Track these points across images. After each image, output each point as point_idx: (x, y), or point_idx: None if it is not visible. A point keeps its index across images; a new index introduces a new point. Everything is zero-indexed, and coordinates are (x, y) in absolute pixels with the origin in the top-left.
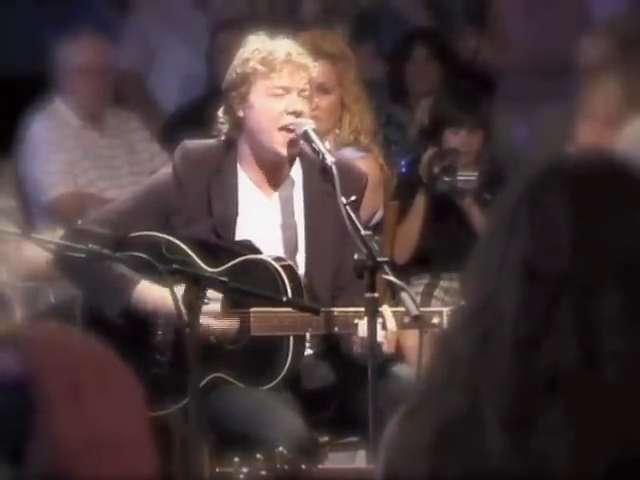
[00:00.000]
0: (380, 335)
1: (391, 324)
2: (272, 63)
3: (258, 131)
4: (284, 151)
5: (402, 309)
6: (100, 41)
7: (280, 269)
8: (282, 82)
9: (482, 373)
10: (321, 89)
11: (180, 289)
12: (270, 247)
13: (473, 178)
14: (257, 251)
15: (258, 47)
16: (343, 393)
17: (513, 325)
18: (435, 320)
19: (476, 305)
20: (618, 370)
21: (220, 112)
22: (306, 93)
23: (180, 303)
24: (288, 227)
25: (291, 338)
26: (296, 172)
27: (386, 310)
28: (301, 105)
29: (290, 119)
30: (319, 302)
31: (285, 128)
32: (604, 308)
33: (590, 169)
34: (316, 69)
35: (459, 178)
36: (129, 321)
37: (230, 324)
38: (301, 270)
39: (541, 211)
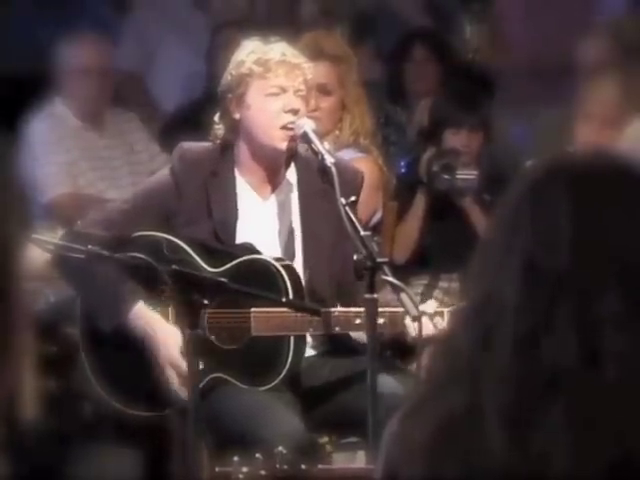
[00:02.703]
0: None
1: (412, 309)
2: (267, 63)
3: (256, 131)
4: (283, 146)
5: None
6: (100, 41)
7: (281, 269)
8: (278, 81)
9: (483, 371)
10: (322, 90)
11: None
12: (268, 251)
13: (473, 177)
14: (258, 253)
15: (252, 50)
16: (344, 393)
17: (514, 323)
18: (437, 321)
19: (477, 303)
20: (618, 369)
21: (216, 117)
22: (302, 93)
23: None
24: (285, 231)
25: (292, 338)
26: (291, 175)
27: (404, 297)
28: (298, 104)
29: (288, 117)
30: (323, 303)
31: (285, 127)
32: (604, 307)
33: (593, 169)
34: (311, 69)
35: (459, 177)
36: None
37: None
38: (300, 273)
39: (543, 210)
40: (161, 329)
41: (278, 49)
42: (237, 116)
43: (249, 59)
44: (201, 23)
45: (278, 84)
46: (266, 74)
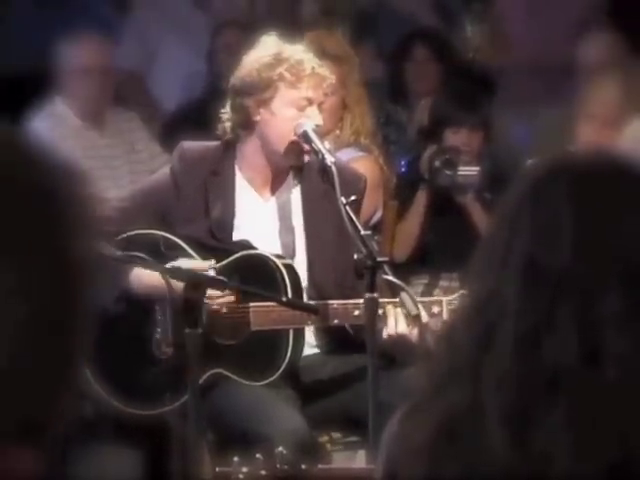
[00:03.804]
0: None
1: (411, 308)
2: (300, 73)
3: (276, 138)
4: (296, 161)
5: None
6: (100, 41)
7: (280, 265)
8: (308, 93)
9: (483, 370)
10: None
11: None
12: (267, 249)
13: (474, 173)
14: (254, 250)
15: (280, 52)
16: (343, 391)
17: (515, 322)
18: (435, 310)
19: (478, 302)
20: (619, 369)
21: (226, 111)
22: (322, 103)
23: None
24: (286, 231)
25: (291, 333)
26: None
27: (404, 297)
28: (321, 118)
29: None
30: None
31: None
32: (605, 307)
33: (594, 169)
34: (332, 79)
35: (460, 173)
36: (127, 319)
37: (230, 297)
38: (302, 273)
39: (544, 209)
40: (163, 285)
41: (309, 59)
42: (257, 118)
43: (280, 64)
44: (201, 23)
45: (307, 96)
46: (298, 84)
